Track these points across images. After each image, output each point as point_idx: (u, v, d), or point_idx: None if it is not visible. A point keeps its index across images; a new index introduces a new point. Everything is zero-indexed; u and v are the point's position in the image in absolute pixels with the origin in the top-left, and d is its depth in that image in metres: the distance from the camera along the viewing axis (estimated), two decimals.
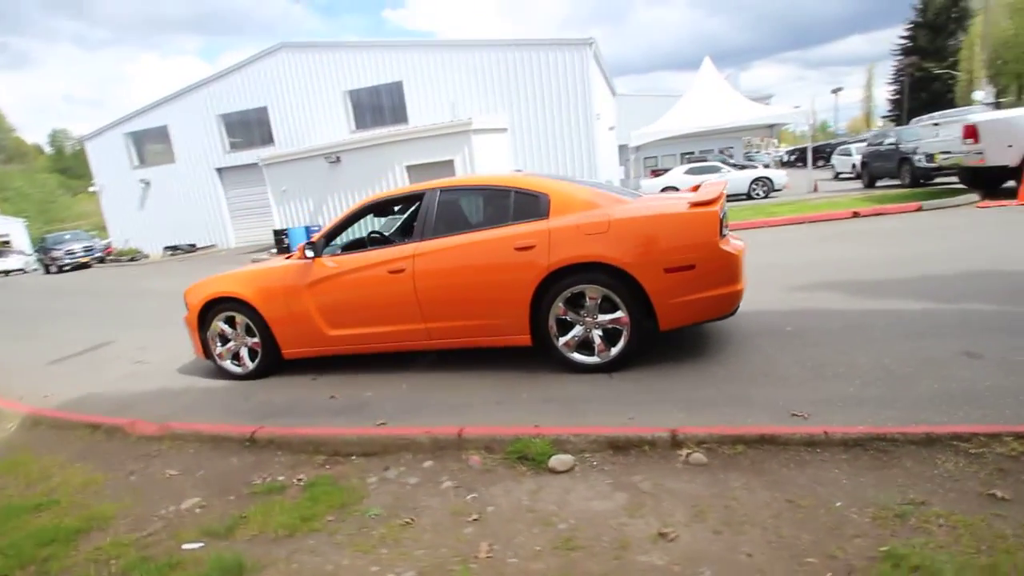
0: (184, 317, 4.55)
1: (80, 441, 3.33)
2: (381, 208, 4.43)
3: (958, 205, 8.47)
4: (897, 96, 57.73)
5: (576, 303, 3.44)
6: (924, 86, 48.40)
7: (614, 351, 3.41)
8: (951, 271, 4.78)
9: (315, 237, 4.06)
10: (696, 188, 4.07)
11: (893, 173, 13.29)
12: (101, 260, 23.07)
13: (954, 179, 11.05)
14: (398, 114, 20.29)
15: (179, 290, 5.08)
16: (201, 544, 2.05)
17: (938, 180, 11.88)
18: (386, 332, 3.86)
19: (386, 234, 4.92)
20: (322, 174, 17.29)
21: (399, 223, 5.16)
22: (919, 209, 8.57)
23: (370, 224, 5.68)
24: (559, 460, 2.27)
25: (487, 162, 15.99)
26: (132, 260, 22.46)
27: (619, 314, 3.35)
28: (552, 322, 3.48)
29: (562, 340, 3.49)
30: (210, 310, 4.34)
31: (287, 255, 4.60)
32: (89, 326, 7.94)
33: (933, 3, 53.18)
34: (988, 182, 9.22)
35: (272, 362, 4.31)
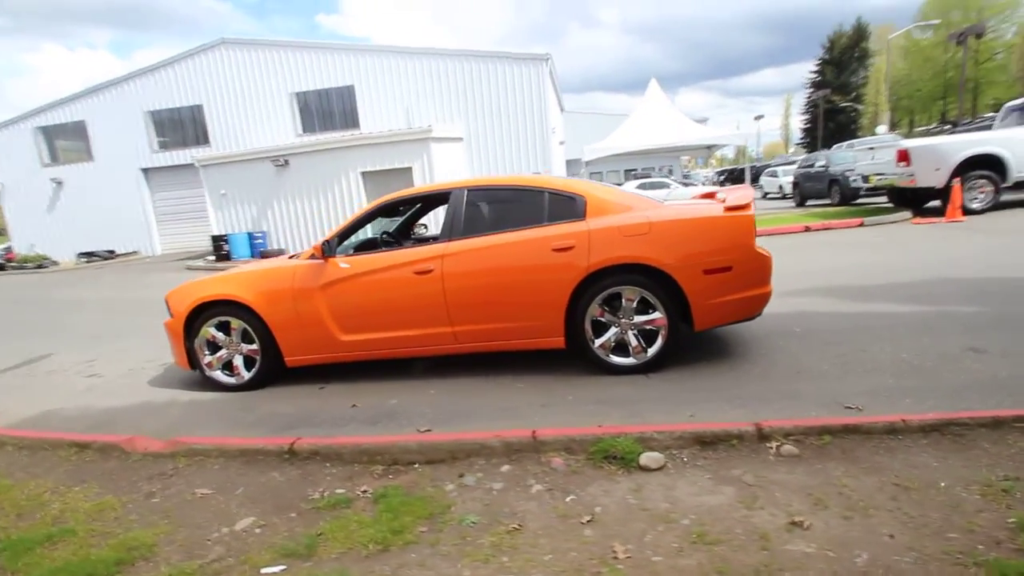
0: (166, 323, 4.10)
1: (66, 462, 2.88)
2: (399, 207, 4.24)
3: (894, 222, 9.36)
4: (808, 125, 63.40)
5: (611, 305, 3.44)
6: (831, 117, 53.23)
7: (651, 352, 3.43)
8: (919, 278, 5.24)
9: (327, 236, 3.81)
10: (707, 196, 4.22)
11: (823, 193, 14.56)
12: (0, 267, 20.52)
13: (878, 199, 12.24)
14: (349, 119, 19.72)
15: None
16: (282, 567, 1.82)
17: (862, 200, 13.13)
18: (408, 336, 3.67)
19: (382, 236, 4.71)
20: (267, 178, 16.40)
21: (396, 225, 4.96)
22: (861, 224, 9.37)
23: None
24: (650, 457, 2.23)
25: (445, 172, 15.84)
26: (39, 268, 20.14)
27: (656, 315, 3.38)
28: (588, 324, 3.45)
29: (598, 342, 3.47)
30: (199, 315, 3.95)
31: (292, 255, 4.28)
32: (14, 338, 7.00)
33: (839, 43, 59.06)
34: (914, 201, 10.28)
35: (271, 371, 3.97)
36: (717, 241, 3.30)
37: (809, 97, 61.64)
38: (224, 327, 3.97)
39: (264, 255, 16.40)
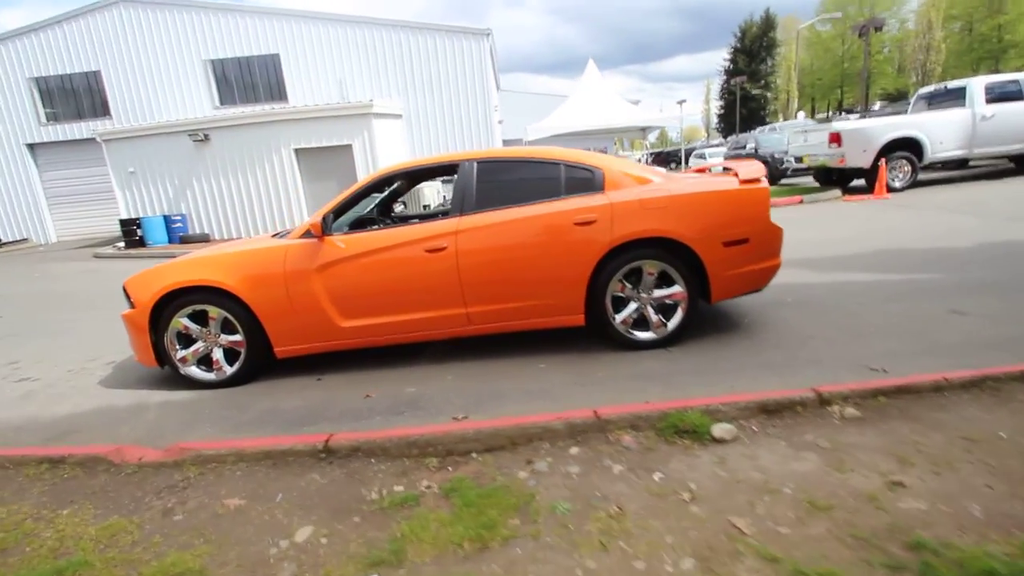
0: (125, 314, 3.57)
1: (39, 481, 2.42)
2: (402, 179, 3.92)
3: (829, 199, 10.09)
4: (723, 111, 67.23)
5: (630, 279, 3.40)
6: (744, 103, 56.59)
7: (671, 326, 3.43)
8: (872, 249, 5.66)
9: (322, 212, 3.45)
10: (702, 170, 4.28)
11: None
12: None
13: (802, 179, 13.19)
14: (275, 91, 18.30)
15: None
16: None
17: (787, 180, 14.10)
18: (417, 320, 3.44)
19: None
20: (185, 154, 14.91)
21: (374, 203, 4.61)
22: (801, 202, 10.03)
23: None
24: (722, 429, 2.22)
25: (386, 150, 15.15)
26: None
27: (676, 288, 3.38)
28: (608, 300, 3.39)
29: (619, 318, 3.42)
30: (168, 305, 3.47)
31: (276, 234, 3.85)
32: None
33: (749, 32, 62.66)
34: (840, 181, 11.15)
35: (258, 364, 3.59)
36: (735, 214, 3.34)
37: (724, 84, 65.33)
38: (199, 317, 3.52)
39: (184, 240, 14.97)
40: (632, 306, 3.43)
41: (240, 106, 17.96)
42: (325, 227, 3.36)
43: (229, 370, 3.58)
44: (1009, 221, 6.16)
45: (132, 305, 3.54)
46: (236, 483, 2.26)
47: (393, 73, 17.52)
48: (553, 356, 3.50)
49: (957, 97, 9.94)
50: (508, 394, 2.99)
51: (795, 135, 11.84)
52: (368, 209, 4.38)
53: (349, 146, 14.33)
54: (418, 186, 4.48)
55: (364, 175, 14.43)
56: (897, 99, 42.59)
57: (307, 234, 3.44)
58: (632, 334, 3.44)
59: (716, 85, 68.73)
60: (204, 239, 15.17)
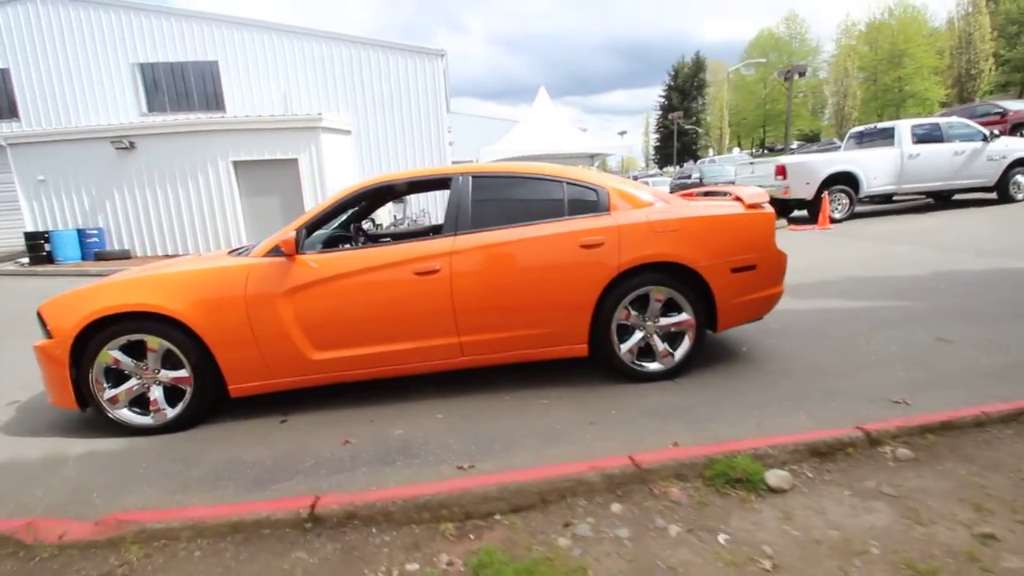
0: (39, 346, 2.93)
1: None
2: (384, 194, 3.52)
3: (777, 228, 10.52)
4: (658, 143, 71.03)
5: (636, 306, 3.18)
6: (677, 137, 59.89)
7: (678, 355, 3.23)
8: (835, 276, 5.81)
9: (293, 226, 3.00)
10: (689, 194, 4.19)
11: None
12: None
13: None
14: (211, 100, 17.18)
15: None
16: None
17: None
18: (403, 351, 3.04)
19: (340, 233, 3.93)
20: (106, 162, 13.60)
21: (342, 220, 4.16)
22: None
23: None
24: (778, 477, 1.99)
25: (335, 166, 14.50)
26: None
27: (684, 316, 3.19)
28: (614, 328, 3.15)
29: (624, 347, 3.18)
30: (95, 334, 2.88)
31: (234, 251, 3.32)
32: None
33: (682, 72, 66.93)
34: (782, 211, 11.72)
35: (205, 405, 3.05)
36: (743, 239, 3.21)
37: (659, 119, 69.17)
38: (134, 349, 2.94)
39: (101, 256, 13.52)
40: (637, 335, 3.20)
41: (172, 113, 16.70)
42: (298, 244, 2.91)
43: (170, 412, 3.00)
44: (954, 251, 6.56)
45: (49, 334, 2.91)
46: (194, 568, 1.76)
47: (343, 88, 16.94)
48: (553, 390, 3.19)
49: (886, 136, 10.77)
50: (515, 437, 2.64)
51: (742, 167, 12.40)
52: (333, 227, 3.95)
53: (295, 160, 13.57)
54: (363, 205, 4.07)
55: (310, 191, 13.69)
56: (812, 139, 46.53)
57: (275, 251, 2.97)
58: (640, 365, 3.20)
59: (652, 119, 72.61)
60: (124, 256, 13.77)
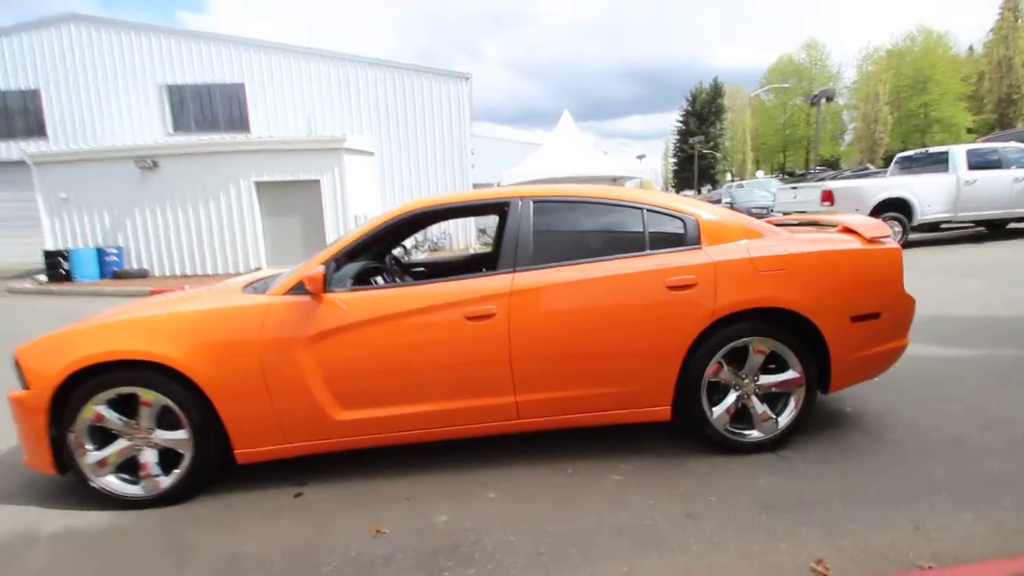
0: (14, 397, 2.44)
1: None
2: (425, 220, 3.03)
3: None
4: (676, 167, 70.88)
5: (731, 360, 2.60)
6: (694, 161, 59.83)
7: (782, 422, 2.62)
8: (923, 314, 5.14)
9: (321, 258, 2.50)
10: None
11: None
12: None
13: None
14: (236, 121, 17.20)
15: None
16: None
17: None
18: (446, 411, 2.48)
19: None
20: (129, 182, 13.48)
21: (373, 250, 3.65)
22: None
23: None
24: None
25: (357, 188, 14.23)
26: None
27: (791, 374, 2.59)
28: (705, 387, 2.56)
29: (717, 411, 2.59)
30: (77, 385, 2.38)
31: (251, 284, 2.82)
32: None
33: (699, 97, 67.03)
34: None
35: (207, 473, 2.51)
36: (865, 281, 2.63)
37: (677, 143, 69.16)
38: (124, 404, 2.43)
39: (119, 275, 13.31)
40: (732, 396, 2.61)
41: (197, 133, 16.71)
42: (326, 281, 2.39)
43: (164, 481, 2.47)
44: None
45: (26, 384, 2.41)
46: None
47: (366, 110, 16.84)
48: (626, 461, 2.60)
49: (939, 162, 10.12)
50: (593, 535, 2.05)
51: (782, 191, 11.79)
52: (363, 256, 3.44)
53: (317, 182, 13.32)
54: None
55: (332, 213, 13.39)
56: (832, 165, 45.79)
57: (297, 288, 2.46)
58: (736, 433, 2.60)
59: (670, 143, 72.56)
60: (142, 275, 13.55)
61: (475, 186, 27.30)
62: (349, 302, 2.46)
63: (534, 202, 2.65)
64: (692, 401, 2.55)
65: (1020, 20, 32.08)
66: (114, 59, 16.88)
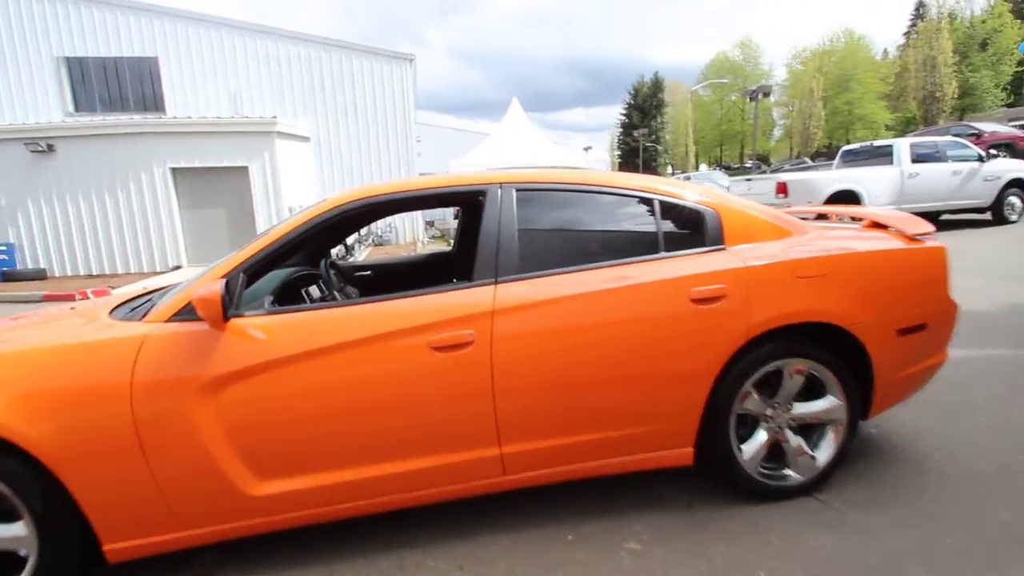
0: None
1: None
2: (370, 214, 2.32)
3: None
4: (620, 159, 72.25)
5: (761, 388, 2.11)
6: (637, 153, 61.09)
7: (820, 458, 2.16)
8: None
9: (224, 268, 1.78)
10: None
11: None
12: None
13: None
14: (149, 100, 15.32)
15: None
16: None
17: None
18: (407, 474, 1.84)
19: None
20: (19, 168, 11.72)
21: (304, 251, 2.90)
22: None
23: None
24: None
25: (291, 176, 13.04)
26: None
27: (832, 400, 2.14)
28: (733, 423, 2.06)
29: (748, 450, 2.09)
30: None
31: (128, 301, 2.02)
32: None
33: (641, 91, 68.38)
34: None
35: None
36: (911, 287, 2.20)
37: (621, 136, 70.41)
38: None
39: (9, 277, 11.54)
40: (762, 433, 2.12)
41: (102, 114, 14.78)
42: (228, 302, 1.67)
43: None
44: (1010, 280, 5.85)
45: None
46: None
47: (300, 92, 15.46)
48: (641, 520, 2.06)
49: (883, 155, 10.33)
50: None
51: (736, 183, 11.76)
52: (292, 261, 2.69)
53: (245, 168, 12.04)
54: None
55: (263, 203, 12.16)
56: (763, 159, 47.86)
57: (185, 312, 1.73)
58: (772, 477, 2.12)
59: (615, 136, 73.68)
60: (39, 276, 11.83)
61: (422, 175, 26.24)
62: (269, 329, 1.76)
63: (517, 190, 2.03)
64: (718, 440, 2.04)
65: (943, 22, 34.41)
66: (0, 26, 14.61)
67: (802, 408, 2.14)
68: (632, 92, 68.91)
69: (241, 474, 1.73)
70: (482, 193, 2.03)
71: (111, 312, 1.95)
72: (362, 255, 12.99)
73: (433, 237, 18.87)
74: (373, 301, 1.85)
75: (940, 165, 10.02)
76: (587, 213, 2.09)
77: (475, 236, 2.02)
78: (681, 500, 2.18)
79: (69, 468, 1.63)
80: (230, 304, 1.67)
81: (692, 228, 2.08)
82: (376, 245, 15.51)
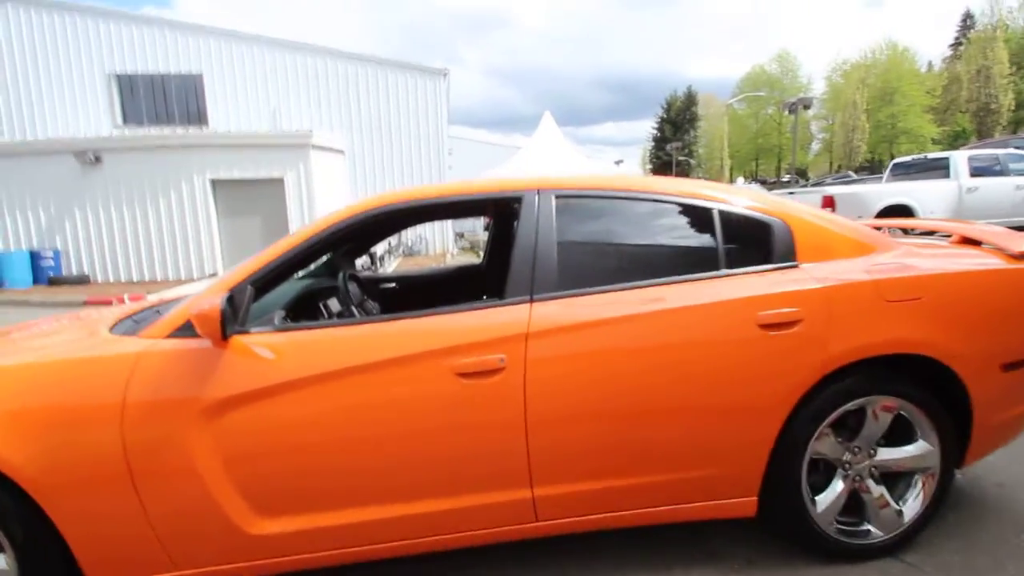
0: None
1: None
2: (394, 221, 2.15)
3: None
4: (652, 173, 71.53)
5: (838, 430, 1.81)
6: (670, 167, 60.43)
7: (907, 512, 1.83)
8: None
9: (228, 281, 1.61)
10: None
11: None
12: None
13: None
14: (194, 114, 15.87)
15: None
16: None
17: None
18: (428, 516, 1.61)
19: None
20: (68, 178, 12.15)
21: (324, 262, 2.72)
22: None
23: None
24: None
25: (325, 188, 13.18)
26: None
27: (923, 446, 1.82)
28: (805, 470, 1.76)
29: (822, 501, 1.79)
30: None
31: (119, 322, 1.88)
32: None
33: (674, 105, 67.79)
34: None
35: None
36: (1017, 313, 1.87)
37: (653, 150, 69.86)
38: None
39: (54, 282, 11.96)
40: (839, 483, 1.81)
41: (148, 127, 15.36)
42: (230, 317, 1.49)
43: None
44: None
45: None
46: None
47: (336, 106, 15.75)
48: (687, 574, 1.78)
49: (938, 168, 9.73)
50: None
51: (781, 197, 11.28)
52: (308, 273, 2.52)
53: (280, 180, 12.22)
54: None
55: (297, 214, 12.30)
56: (801, 173, 46.51)
57: (185, 328, 1.56)
58: (851, 532, 1.80)
59: (647, 150, 73.10)
60: (81, 281, 12.21)
61: None
62: (277, 348, 1.57)
63: (557, 197, 1.81)
64: (787, 488, 1.75)
65: (998, 31, 32.79)
66: (57, 44, 15.39)
67: (887, 454, 1.83)
68: (665, 106, 68.34)
69: (240, 511, 1.53)
70: (517, 200, 1.81)
71: (114, 325, 1.80)
72: (391, 266, 13.00)
73: (463, 249, 18.81)
74: (392, 319, 1.65)
75: (1002, 179, 9.36)
76: (635, 223, 1.85)
77: (508, 248, 1.80)
78: (739, 556, 1.88)
79: (53, 497, 1.47)
80: (233, 320, 1.49)
81: (758, 242, 1.82)
82: (406, 256, 15.53)
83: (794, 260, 1.79)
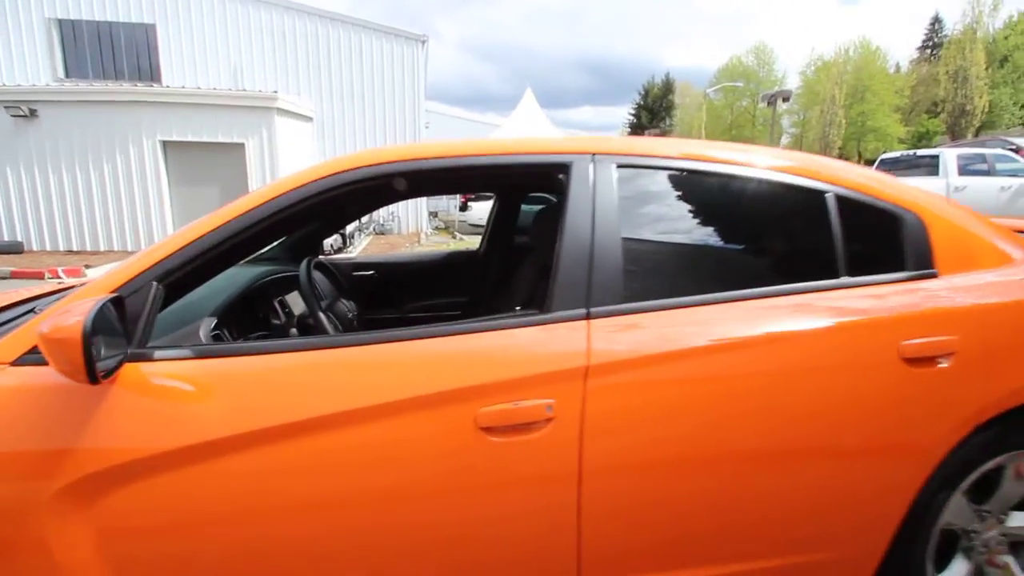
0: None
1: None
2: (380, 191, 1.57)
3: None
4: None
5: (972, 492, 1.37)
6: None
7: None
8: None
9: (121, 275, 1.03)
10: None
11: None
12: None
13: None
14: (145, 70, 14.51)
15: None
16: None
17: None
18: None
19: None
20: None
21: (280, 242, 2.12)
22: None
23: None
24: None
25: (291, 156, 12.24)
26: None
27: None
28: (933, 543, 1.32)
29: None
30: None
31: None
32: None
33: (652, 92, 67.68)
34: None
35: None
36: None
37: (629, 135, 69.67)
38: None
39: None
40: (961, 561, 1.38)
41: (94, 81, 13.93)
42: (101, 342, 0.91)
43: None
44: None
45: None
46: None
47: (305, 70, 14.64)
48: None
49: (928, 165, 9.62)
50: None
51: None
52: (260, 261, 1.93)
53: (241, 145, 11.24)
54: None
55: (259, 183, 11.36)
56: None
57: (30, 357, 0.97)
58: None
59: (623, 135, 72.96)
60: (14, 249, 11.04)
61: None
62: (201, 383, 1.00)
63: (619, 166, 1.27)
64: (910, 570, 1.31)
65: (978, 32, 33.37)
66: None
67: (1021, 519, 1.41)
68: (643, 92, 68.03)
69: None
70: (561, 168, 1.26)
71: None
72: (360, 246, 12.23)
73: (436, 228, 18.08)
74: (378, 340, 1.09)
75: (988, 179, 9.31)
76: (729, 207, 1.34)
77: (542, 237, 1.27)
78: None
79: None
80: (117, 343, 0.91)
81: (885, 241, 1.34)
82: (377, 234, 14.74)
83: (932, 268, 1.32)
